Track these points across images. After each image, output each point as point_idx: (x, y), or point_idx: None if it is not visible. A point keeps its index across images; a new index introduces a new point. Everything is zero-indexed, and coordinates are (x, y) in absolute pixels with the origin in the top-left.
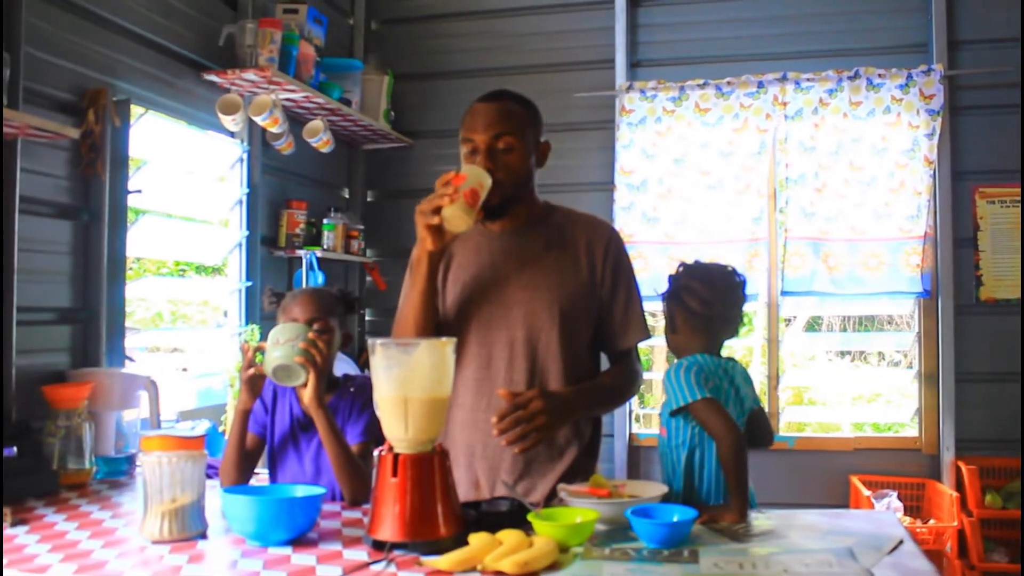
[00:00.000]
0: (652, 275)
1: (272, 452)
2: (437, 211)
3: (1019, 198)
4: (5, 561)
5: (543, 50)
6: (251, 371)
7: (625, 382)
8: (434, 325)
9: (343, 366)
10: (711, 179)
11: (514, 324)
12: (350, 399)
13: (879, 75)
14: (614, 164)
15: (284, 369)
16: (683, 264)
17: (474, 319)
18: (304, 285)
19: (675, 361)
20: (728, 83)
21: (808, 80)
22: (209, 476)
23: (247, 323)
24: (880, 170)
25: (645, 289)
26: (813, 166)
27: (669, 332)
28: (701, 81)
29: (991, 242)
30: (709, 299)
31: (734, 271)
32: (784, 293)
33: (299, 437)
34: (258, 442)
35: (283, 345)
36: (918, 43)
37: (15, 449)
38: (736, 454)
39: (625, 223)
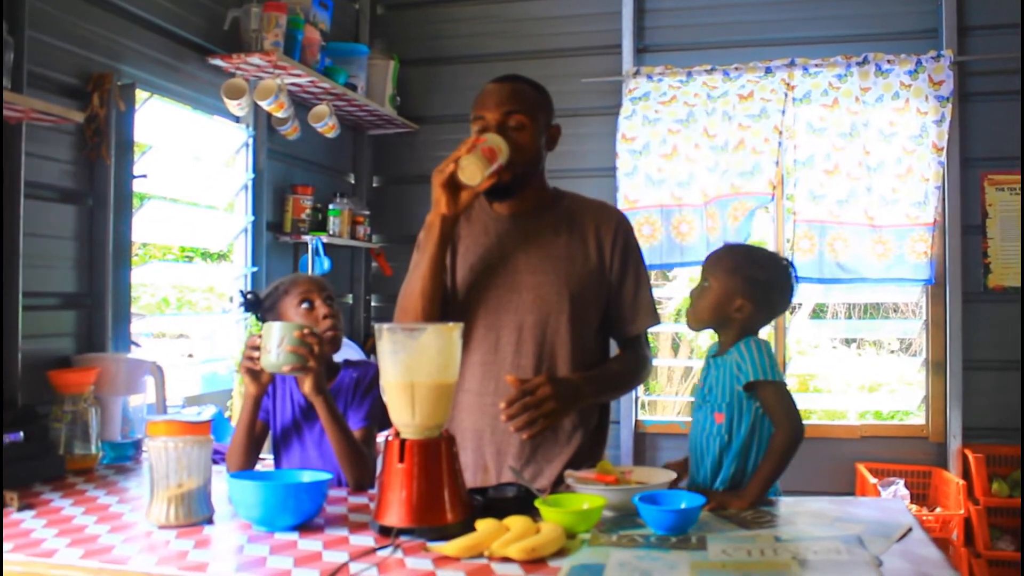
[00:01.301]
0: (658, 243)
1: (275, 438)
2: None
3: None
4: (12, 545)
5: (549, 35)
6: (247, 364)
7: (634, 368)
8: (441, 299)
9: (346, 351)
10: (716, 140)
11: (523, 308)
12: (352, 384)
13: (888, 61)
14: (616, 137)
15: (280, 373)
16: (730, 243)
17: (482, 303)
18: (309, 271)
19: (746, 337)
20: (736, 68)
21: (816, 66)
22: (215, 461)
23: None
24: (888, 156)
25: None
26: (824, 148)
27: (726, 308)
28: (708, 67)
29: (1000, 229)
30: (773, 279)
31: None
32: (796, 279)
33: (301, 423)
34: (262, 427)
35: (270, 353)
36: (928, 28)
37: (21, 434)
38: (789, 450)
39: (629, 190)
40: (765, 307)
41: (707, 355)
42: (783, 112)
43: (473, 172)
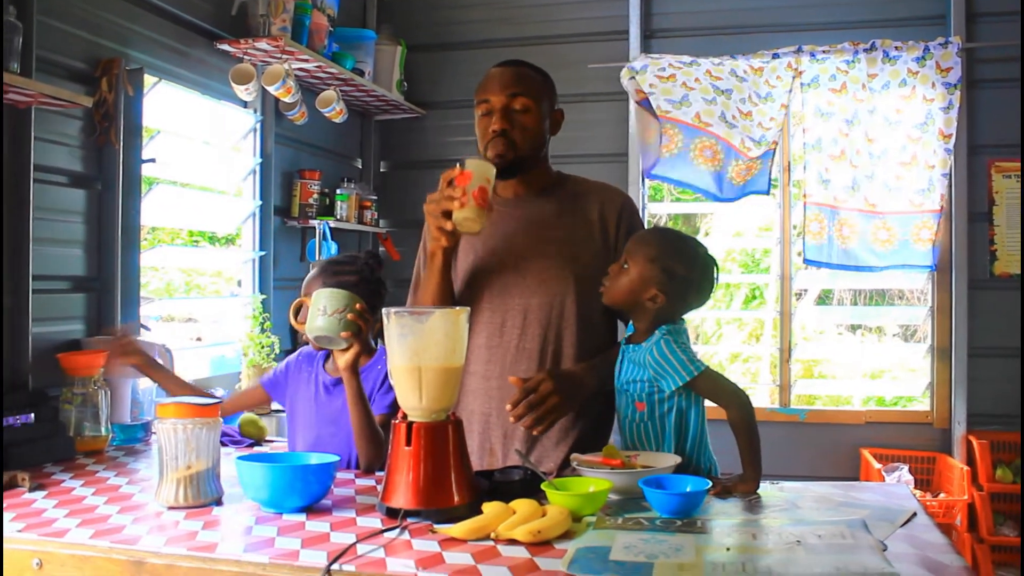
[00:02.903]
0: None
1: (291, 416)
2: (448, 215)
3: None
4: (23, 524)
5: (556, 21)
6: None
7: None
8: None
9: None
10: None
11: (528, 291)
12: (384, 368)
13: (896, 47)
14: (628, 134)
15: (327, 339)
16: (660, 228)
17: (487, 286)
18: (318, 256)
19: (658, 334)
20: (743, 54)
21: (824, 52)
22: (223, 444)
23: (260, 291)
24: (892, 144)
25: None
26: (832, 133)
27: (640, 296)
28: (716, 59)
29: (1006, 216)
30: (689, 277)
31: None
32: (807, 262)
33: (320, 404)
34: (264, 397)
35: (330, 316)
36: (936, 15)
37: (32, 416)
38: (749, 420)
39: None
40: (679, 302)
41: (622, 340)
42: (790, 95)
43: (472, 225)
